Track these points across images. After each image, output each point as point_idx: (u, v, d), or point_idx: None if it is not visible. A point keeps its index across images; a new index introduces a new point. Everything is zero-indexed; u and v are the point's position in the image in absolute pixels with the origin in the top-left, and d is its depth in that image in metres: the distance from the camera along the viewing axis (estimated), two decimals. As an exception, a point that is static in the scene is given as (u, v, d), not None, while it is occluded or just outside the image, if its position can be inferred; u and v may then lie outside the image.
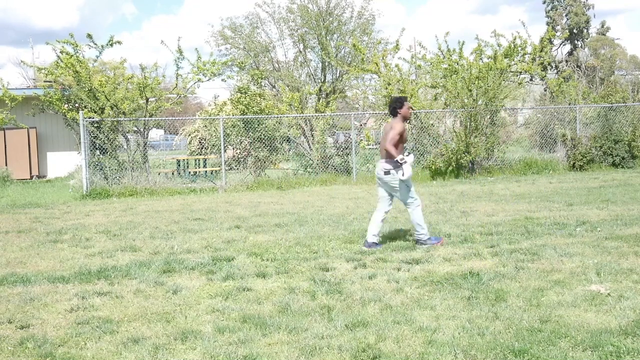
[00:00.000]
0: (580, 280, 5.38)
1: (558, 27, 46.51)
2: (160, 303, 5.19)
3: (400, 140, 6.92)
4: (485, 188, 13.40)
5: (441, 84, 17.59)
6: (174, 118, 19.26)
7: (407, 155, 7.03)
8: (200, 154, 20.62)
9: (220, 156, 16.08)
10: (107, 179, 15.06)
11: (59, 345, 4.26)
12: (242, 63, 21.21)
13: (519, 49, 17.73)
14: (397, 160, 6.82)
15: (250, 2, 65.34)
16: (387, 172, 6.99)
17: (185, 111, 34.98)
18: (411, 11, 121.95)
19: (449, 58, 17.72)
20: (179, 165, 19.90)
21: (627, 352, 3.78)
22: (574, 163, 16.90)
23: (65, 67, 15.59)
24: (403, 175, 6.84)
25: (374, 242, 7.15)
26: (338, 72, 24.43)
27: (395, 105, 7.07)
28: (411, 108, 7.13)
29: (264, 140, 16.64)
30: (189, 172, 18.79)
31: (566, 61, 44.80)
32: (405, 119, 7.06)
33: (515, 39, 17.60)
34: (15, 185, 17.88)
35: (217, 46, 25.43)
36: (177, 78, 16.58)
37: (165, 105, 16.55)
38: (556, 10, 49.48)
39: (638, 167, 17.08)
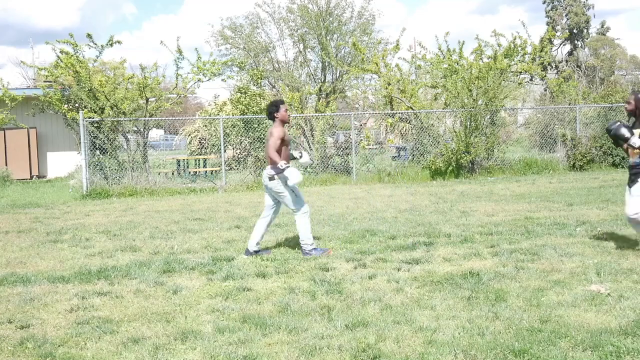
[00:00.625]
0: (580, 280, 5.38)
1: (558, 27, 46.54)
2: (160, 303, 5.19)
3: (283, 144, 6.68)
4: (485, 188, 13.40)
5: (441, 84, 17.60)
6: (174, 118, 19.26)
7: (299, 155, 6.93)
8: (200, 154, 20.62)
9: (220, 156, 16.09)
10: (107, 179, 15.06)
11: (59, 345, 4.26)
12: (242, 63, 21.22)
13: (519, 49, 17.74)
14: (279, 167, 6.54)
15: (250, 2, 65.30)
16: (271, 178, 6.75)
17: (185, 111, 34.97)
18: (411, 11, 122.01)
19: (449, 58, 17.72)
20: (179, 165, 19.91)
21: (627, 352, 3.78)
22: (574, 163, 16.90)
23: (65, 67, 15.59)
24: (289, 181, 6.57)
25: (255, 251, 6.93)
26: (338, 72, 24.45)
27: (271, 110, 6.83)
28: (287, 111, 6.85)
29: (264, 140, 16.62)
30: (189, 172, 18.79)
31: (566, 61, 44.84)
32: (284, 122, 6.78)
33: (515, 39, 17.61)
34: (15, 185, 17.88)
35: (217, 46, 25.47)
36: (177, 78, 16.60)
37: (165, 105, 16.56)
38: (556, 10, 49.51)
39: (638, 167, 17.05)
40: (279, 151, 6.63)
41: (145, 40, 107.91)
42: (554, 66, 33.96)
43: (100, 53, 16.07)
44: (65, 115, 16.20)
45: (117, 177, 15.16)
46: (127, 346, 4.20)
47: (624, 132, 6.14)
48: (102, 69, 19.78)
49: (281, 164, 6.51)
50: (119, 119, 15.43)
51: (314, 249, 6.82)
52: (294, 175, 6.52)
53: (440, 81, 17.72)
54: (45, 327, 4.65)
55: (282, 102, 6.95)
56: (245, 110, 16.96)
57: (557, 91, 18.98)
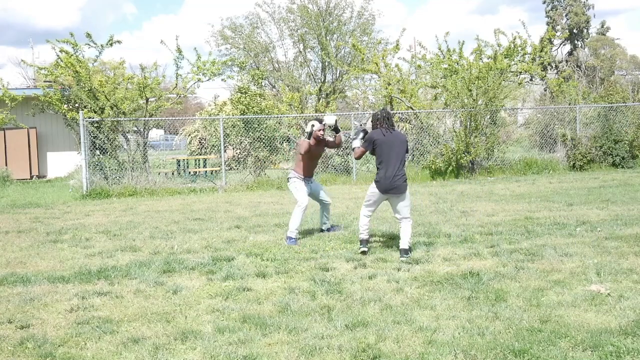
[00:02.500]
0: (580, 280, 5.39)
1: (558, 27, 46.51)
2: (160, 303, 5.19)
3: (306, 156, 7.83)
4: (485, 188, 13.40)
5: (441, 84, 17.60)
6: (174, 118, 19.27)
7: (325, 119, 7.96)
8: (200, 154, 20.61)
9: (220, 156, 16.08)
10: (107, 179, 15.06)
11: (59, 345, 4.26)
12: (243, 63, 21.22)
13: (519, 49, 17.74)
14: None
15: (250, 2, 65.31)
16: (288, 180, 8.15)
17: (185, 111, 34.97)
18: (411, 11, 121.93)
19: (449, 58, 17.72)
20: (179, 165, 19.90)
21: (627, 352, 3.78)
22: (574, 163, 16.90)
23: (65, 66, 15.59)
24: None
25: (327, 229, 8.32)
26: (338, 72, 24.46)
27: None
28: (323, 130, 7.91)
29: (264, 140, 16.64)
30: (189, 172, 18.78)
31: (566, 61, 44.79)
32: (316, 138, 7.84)
33: (515, 39, 17.61)
34: (15, 185, 17.88)
35: (217, 46, 25.49)
36: (177, 78, 16.61)
37: (165, 105, 16.55)
38: (556, 10, 49.49)
39: (638, 167, 17.08)
40: (303, 160, 7.86)
41: (145, 40, 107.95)
42: (554, 66, 33.94)
43: (100, 53, 16.11)
44: (65, 115, 16.20)
45: (117, 177, 15.15)
46: (127, 346, 4.20)
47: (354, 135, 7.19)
48: (102, 69, 19.78)
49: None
50: (119, 119, 15.43)
51: (292, 238, 7.57)
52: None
53: (440, 81, 17.72)
54: (45, 327, 4.65)
55: (320, 122, 7.93)
56: (246, 110, 16.95)
57: (557, 91, 18.98)
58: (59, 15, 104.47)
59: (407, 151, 6.95)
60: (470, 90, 16.23)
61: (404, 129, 19.46)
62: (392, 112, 17.61)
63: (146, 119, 15.93)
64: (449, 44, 18.20)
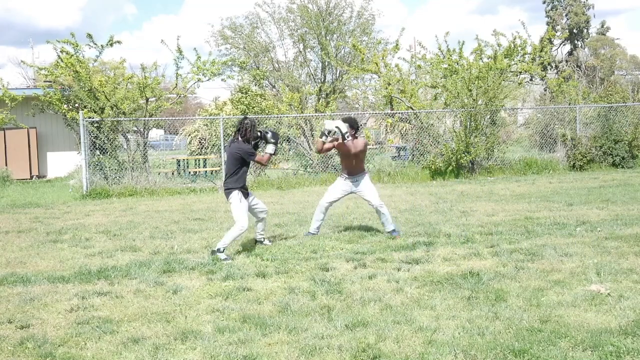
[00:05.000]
0: (580, 280, 5.39)
1: (558, 27, 46.50)
2: (160, 303, 5.19)
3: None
4: (485, 188, 13.39)
5: (441, 84, 17.59)
6: (174, 118, 19.26)
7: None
8: (200, 154, 20.61)
9: (220, 156, 16.08)
10: (107, 179, 15.05)
11: (59, 345, 4.26)
12: (244, 63, 21.22)
13: (519, 49, 17.73)
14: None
15: (250, 2, 65.29)
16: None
17: (185, 111, 34.96)
18: (411, 11, 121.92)
19: (449, 58, 17.72)
20: (179, 165, 19.90)
21: (627, 352, 3.79)
22: (574, 163, 16.90)
23: (65, 67, 15.59)
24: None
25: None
26: (338, 72, 24.43)
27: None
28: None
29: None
30: (189, 172, 18.78)
31: (566, 61, 44.78)
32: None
33: (515, 39, 17.61)
34: (15, 185, 17.87)
35: (217, 46, 25.43)
36: (177, 78, 16.59)
37: (165, 105, 16.55)
38: (556, 10, 49.48)
39: (638, 167, 17.08)
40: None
41: (145, 40, 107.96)
42: (554, 66, 33.92)
43: (100, 53, 16.09)
44: (65, 115, 16.19)
45: (117, 177, 15.15)
46: (127, 346, 4.20)
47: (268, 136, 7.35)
48: (102, 69, 19.78)
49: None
50: (119, 119, 15.42)
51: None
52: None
53: (440, 81, 17.71)
54: (45, 327, 4.65)
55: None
56: (246, 110, 16.95)
57: (557, 91, 18.97)
58: (59, 15, 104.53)
59: (244, 162, 7.07)
60: (470, 90, 16.23)
61: (404, 128, 19.49)
62: (391, 112, 17.62)
63: (146, 119, 15.93)
64: (449, 44, 18.22)
